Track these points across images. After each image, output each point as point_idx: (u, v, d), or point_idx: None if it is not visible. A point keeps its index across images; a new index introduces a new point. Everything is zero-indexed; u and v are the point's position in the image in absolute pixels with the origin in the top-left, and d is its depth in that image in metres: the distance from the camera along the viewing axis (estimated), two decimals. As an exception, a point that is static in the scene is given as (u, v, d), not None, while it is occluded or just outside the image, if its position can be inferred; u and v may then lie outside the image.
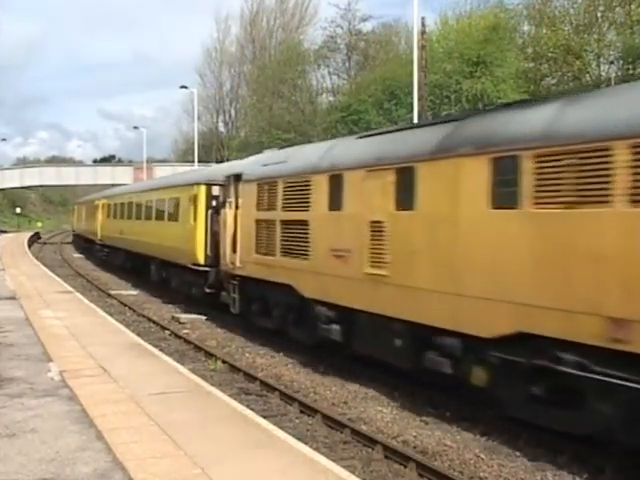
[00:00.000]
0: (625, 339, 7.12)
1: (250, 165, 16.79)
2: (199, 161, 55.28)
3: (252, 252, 15.39)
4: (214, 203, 19.44)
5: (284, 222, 14.03)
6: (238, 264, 16.16)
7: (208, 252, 19.28)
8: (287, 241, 13.90)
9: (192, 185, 21.02)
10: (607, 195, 7.38)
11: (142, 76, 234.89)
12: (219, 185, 18.88)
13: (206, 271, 19.23)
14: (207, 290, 19.21)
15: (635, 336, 7.03)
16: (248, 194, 15.84)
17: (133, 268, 31.11)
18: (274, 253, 14.38)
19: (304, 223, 13.21)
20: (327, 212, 12.44)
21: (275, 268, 14.34)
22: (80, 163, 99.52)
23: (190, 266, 20.13)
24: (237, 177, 16.63)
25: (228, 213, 16.92)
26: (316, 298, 12.83)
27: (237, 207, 16.50)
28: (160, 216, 25.46)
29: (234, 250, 16.46)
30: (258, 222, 15.20)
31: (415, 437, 9.42)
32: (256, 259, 15.22)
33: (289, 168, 14.23)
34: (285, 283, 13.90)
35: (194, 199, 20.45)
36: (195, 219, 20.17)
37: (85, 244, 49.34)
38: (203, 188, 20.09)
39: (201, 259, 19.55)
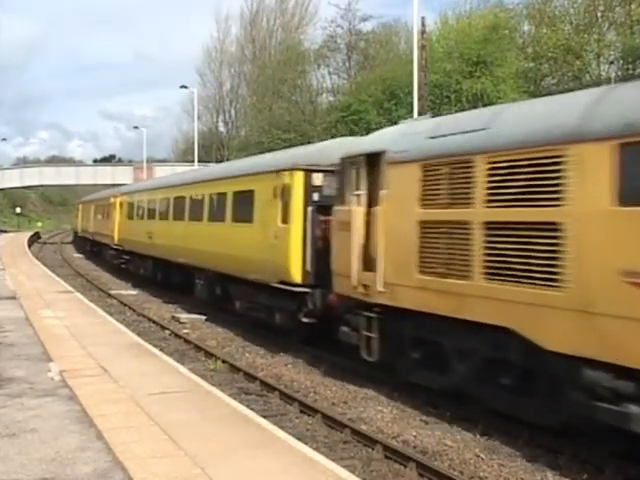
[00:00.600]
0: None
1: (399, 139, 11.63)
2: (199, 161, 55.36)
3: (413, 271, 10.58)
4: (316, 197, 14.44)
5: (493, 225, 9.15)
6: (379, 288, 11.33)
7: (308, 267, 14.20)
8: (500, 256, 8.94)
9: (279, 172, 15.23)
10: None
11: (142, 76, 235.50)
12: (323, 171, 14.35)
13: (303, 293, 14.16)
14: (304, 320, 14.26)
15: None
16: (400, 182, 11.09)
17: (165, 281, 25.80)
18: (468, 275, 9.48)
19: (549, 227, 8.26)
20: (611, 209, 7.61)
21: (471, 299, 9.45)
22: (80, 163, 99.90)
23: (276, 285, 14.85)
24: (371, 157, 11.85)
25: (355, 211, 12.09)
26: (581, 355, 7.90)
27: (371, 202, 11.85)
28: (218, 216, 19.19)
29: (367, 267, 11.72)
30: (425, 225, 10.44)
31: (415, 437, 9.42)
32: (422, 282, 10.40)
33: (501, 137, 9.26)
34: (495, 324, 9.06)
35: (284, 192, 14.92)
36: (286, 220, 14.73)
37: (92, 248, 44.28)
38: (300, 175, 14.55)
39: (297, 276, 14.24)
